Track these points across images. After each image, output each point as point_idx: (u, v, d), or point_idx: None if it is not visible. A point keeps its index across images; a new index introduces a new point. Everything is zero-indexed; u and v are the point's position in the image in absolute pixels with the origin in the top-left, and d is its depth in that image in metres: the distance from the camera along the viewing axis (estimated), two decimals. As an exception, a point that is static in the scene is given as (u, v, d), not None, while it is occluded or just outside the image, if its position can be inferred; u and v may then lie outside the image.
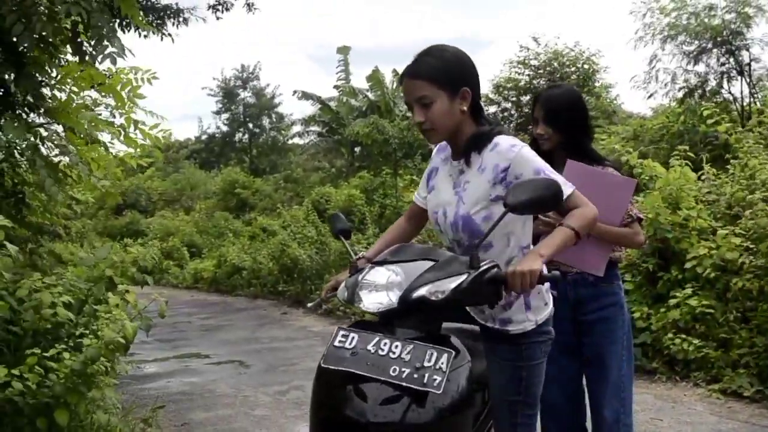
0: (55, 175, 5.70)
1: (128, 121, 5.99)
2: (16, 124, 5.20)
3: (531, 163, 2.55)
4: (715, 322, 6.85)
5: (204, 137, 41.43)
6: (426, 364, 2.28)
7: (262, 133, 39.29)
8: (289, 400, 6.86)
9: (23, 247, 6.15)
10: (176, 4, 13.85)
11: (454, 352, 2.32)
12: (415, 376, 2.26)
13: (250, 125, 39.38)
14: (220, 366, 8.98)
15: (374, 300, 2.49)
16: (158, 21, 13.32)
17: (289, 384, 7.44)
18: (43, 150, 5.88)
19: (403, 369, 2.28)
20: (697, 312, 6.89)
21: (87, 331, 4.40)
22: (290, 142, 36.31)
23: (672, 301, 7.12)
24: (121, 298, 4.69)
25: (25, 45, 5.05)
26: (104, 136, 6.42)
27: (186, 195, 32.23)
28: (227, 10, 14.50)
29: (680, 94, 13.25)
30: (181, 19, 14.00)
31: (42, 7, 5.10)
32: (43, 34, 5.10)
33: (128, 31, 10.16)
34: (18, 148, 5.87)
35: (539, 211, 2.59)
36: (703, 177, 8.19)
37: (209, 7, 14.41)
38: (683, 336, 6.91)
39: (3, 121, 5.03)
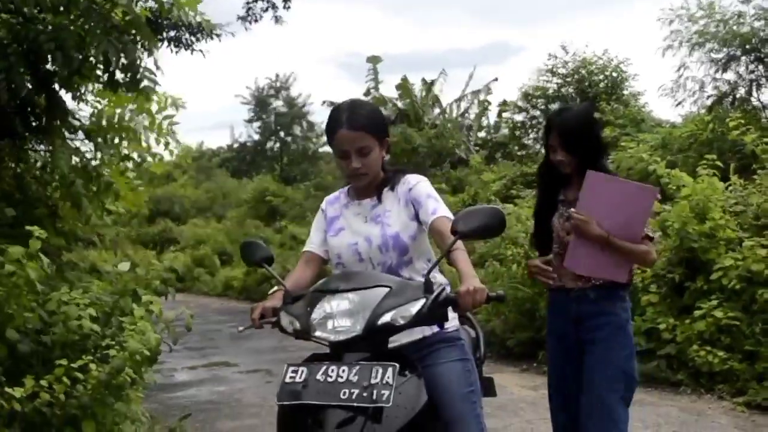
0: (87, 187, 5.87)
1: (158, 141, 6.17)
2: (62, 154, 5.40)
3: (426, 190, 3.01)
4: (740, 334, 6.80)
5: (236, 145, 41.77)
6: (373, 381, 2.37)
7: (293, 141, 39.53)
8: (314, 409, 6.90)
9: (58, 257, 6.26)
10: (205, 18, 13.96)
11: (398, 365, 2.41)
12: (364, 394, 2.35)
13: (282, 134, 39.62)
14: (248, 375, 9.07)
15: (336, 329, 2.56)
16: (191, 37, 13.46)
17: (314, 393, 7.48)
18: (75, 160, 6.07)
19: (352, 390, 2.37)
20: (723, 324, 6.85)
21: (113, 343, 4.47)
22: (321, 150, 36.49)
23: (697, 312, 7.08)
24: (146, 309, 4.76)
25: (57, 69, 5.22)
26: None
27: (218, 203, 32.51)
28: (256, 21, 14.68)
29: (709, 102, 13.15)
30: (211, 37, 14.17)
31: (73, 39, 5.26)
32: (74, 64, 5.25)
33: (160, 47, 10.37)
34: (50, 164, 6.03)
35: (486, 237, 2.82)
36: (730, 187, 8.13)
37: (239, 18, 14.60)
38: (708, 348, 6.87)
39: (53, 150, 5.24)
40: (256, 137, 40.50)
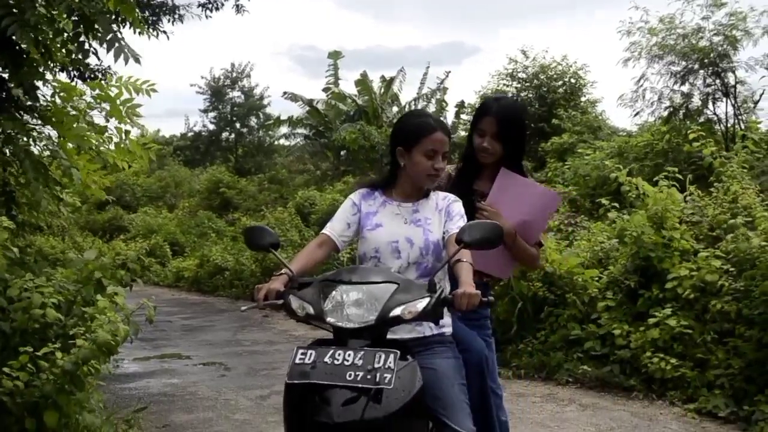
0: (44, 177, 5.77)
1: (119, 131, 6.08)
2: (12, 123, 5.30)
3: (461, 211, 3.34)
4: (692, 343, 6.95)
5: (190, 135, 41.20)
6: (376, 365, 2.64)
7: (249, 133, 39.21)
8: (270, 404, 6.88)
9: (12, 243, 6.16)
10: (171, 1, 13.85)
11: (399, 352, 2.69)
12: (368, 377, 2.62)
13: (237, 125, 39.21)
14: (202, 368, 9.00)
15: (348, 317, 2.83)
16: (154, 18, 13.32)
17: (270, 389, 7.46)
18: (35, 151, 5.94)
19: (357, 373, 2.63)
20: (676, 332, 6.99)
21: (77, 332, 4.42)
22: (276, 143, 36.29)
23: (651, 320, 7.21)
24: (110, 300, 4.71)
25: (22, 44, 5.11)
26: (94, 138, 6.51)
27: (170, 192, 32.08)
28: (217, 9, 14.57)
29: (665, 113, 13.41)
30: (176, 17, 14.07)
31: (41, 8, 5.15)
32: (40, 38, 5.15)
33: (123, 27, 10.20)
34: (10, 148, 5.91)
35: (485, 248, 3.02)
36: (687, 198, 8.30)
37: (200, 5, 14.46)
38: (661, 355, 7.00)
39: (1, 121, 5.09)
40: (211, 127, 40.06)
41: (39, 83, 5.96)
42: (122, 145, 6.47)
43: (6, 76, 5.67)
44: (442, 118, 3.86)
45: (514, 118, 3.76)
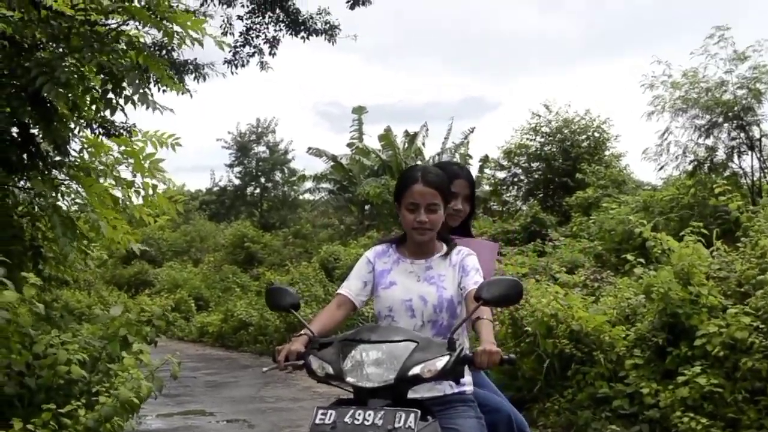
0: (72, 232, 5.84)
1: (146, 186, 6.17)
2: (41, 180, 5.40)
3: (476, 264, 3.31)
4: (723, 402, 6.80)
5: (216, 189, 41.63)
6: (396, 425, 2.61)
7: (274, 187, 39.52)
8: (294, 463, 6.83)
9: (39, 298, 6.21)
10: (195, 59, 14.16)
11: (419, 411, 2.67)
12: None
13: (263, 179, 39.60)
14: (225, 425, 8.95)
15: (367, 375, 2.81)
16: (178, 76, 13.57)
17: (294, 447, 7.41)
18: (63, 206, 6.03)
19: None
20: (706, 390, 6.84)
21: (101, 389, 4.43)
22: (301, 197, 36.49)
23: (680, 378, 7.08)
24: (135, 357, 4.72)
25: (52, 100, 5.22)
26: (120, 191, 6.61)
27: (195, 247, 32.26)
28: (243, 66, 14.85)
29: (690, 167, 13.36)
30: (200, 75, 14.36)
31: (71, 66, 5.28)
32: (70, 95, 5.27)
33: (150, 84, 10.39)
34: (39, 202, 6.01)
35: (505, 306, 3.09)
36: (713, 253, 8.23)
37: (225, 62, 14.73)
38: (691, 414, 6.85)
39: (31, 178, 5.19)
40: (237, 182, 40.45)
41: (68, 139, 6.08)
42: (149, 199, 6.55)
43: (36, 131, 5.78)
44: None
45: (473, 180, 3.95)
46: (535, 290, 8.47)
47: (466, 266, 3.28)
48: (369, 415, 2.67)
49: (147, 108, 5.45)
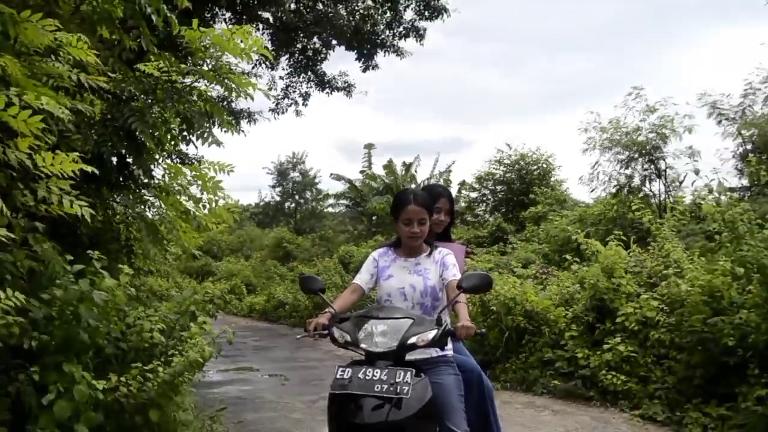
0: (155, 235, 5.86)
1: (210, 201, 6.17)
2: (131, 197, 5.45)
3: (453, 261, 3.34)
4: (637, 363, 6.82)
5: (261, 204, 41.63)
6: (397, 380, 2.69)
7: (305, 203, 39.52)
8: (318, 407, 6.80)
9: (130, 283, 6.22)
10: (248, 108, 14.34)
11: (414, 370, 2.75)
12: (391, 389, 2.67)
13: (297, 197, 39.60)
14: (267, 378, 8.95)
15: (376, 343, 2.87)
16: (235, 120, 13.65)
17: (318, 395, 7.37)
18: (148, 216, 6.05)
19: (383, 386, 2.69)
20: (624, 355, 6.87)
21: (175, 351, 4.43)
22: (325, 210, 36.43)
23: (605, 346, 7.10)
24: (200, 327, 4.72)
25: (142, 138, 5.25)
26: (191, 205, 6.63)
27: (246, 246, 32.20)
28: (283, 113, 15.09)
29: (614, 190, 13.32)
30: (252, 119, 14.57)
31: (157, 112, 5.31)
32: (155, 134, 5.29)
33: (213, 126, 10.48)
34: (130, 215, 6.02)
35: (479, 293, 3.18)
36: (630, 254, 8.23)
37: (270, 110, 15.05)
38: (613, 373, 6.87)
39: (125, 194, 5.24)
40: (277, 198, 40.45)
41: (153, 166, 6.11)
42: (213, 211, 6.58)
43: (130, 160, 5.81)
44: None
45: (453, 199, 4.01)
46: (499, 280, 8.47)
47: (446, 263, 3.31)
48: (377, 372, 2.73)
49: (210, 144, 5.53)
